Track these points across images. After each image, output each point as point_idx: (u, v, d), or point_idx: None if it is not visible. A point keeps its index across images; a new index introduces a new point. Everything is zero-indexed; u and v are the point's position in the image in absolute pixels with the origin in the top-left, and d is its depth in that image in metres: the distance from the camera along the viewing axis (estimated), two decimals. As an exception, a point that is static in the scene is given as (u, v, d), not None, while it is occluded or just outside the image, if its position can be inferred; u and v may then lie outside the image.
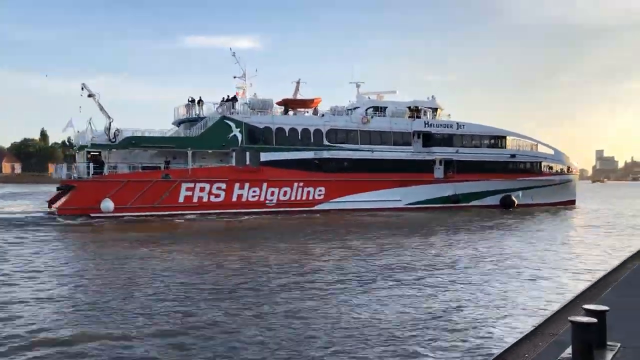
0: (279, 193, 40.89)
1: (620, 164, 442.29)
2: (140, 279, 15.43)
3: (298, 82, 46.61)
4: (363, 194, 43.77)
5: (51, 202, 41.32)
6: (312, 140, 42.43)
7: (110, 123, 36.23)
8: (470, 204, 47.91)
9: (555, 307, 8.87)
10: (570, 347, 5.39)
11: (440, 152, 47.26)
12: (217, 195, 38.92)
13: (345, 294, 13.66)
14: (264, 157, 40.55)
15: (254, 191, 40.07)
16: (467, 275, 16.57)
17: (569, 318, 5.66)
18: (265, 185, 40.35)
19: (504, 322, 11.35)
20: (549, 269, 18.06)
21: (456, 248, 23.06)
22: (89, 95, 36.86)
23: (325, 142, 42.82)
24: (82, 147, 37.30)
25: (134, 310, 11.80)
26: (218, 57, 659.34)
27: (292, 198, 41.37)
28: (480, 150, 49.39)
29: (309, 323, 10.99)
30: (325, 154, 42.61)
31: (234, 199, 39.43)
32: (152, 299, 12.91)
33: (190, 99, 41.82)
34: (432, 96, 50.82)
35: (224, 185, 39.00)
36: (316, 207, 41.94)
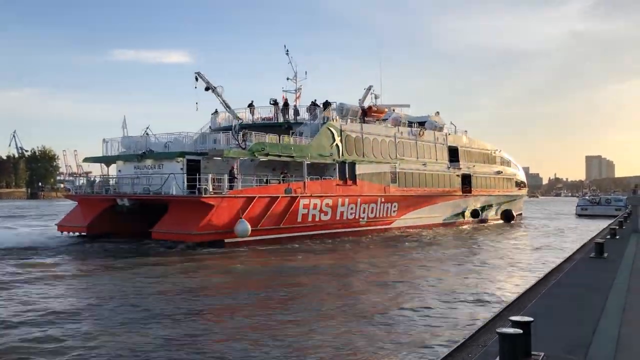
0: (368, 209, 37.09)
1: (545, 181, 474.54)
2: None
3: (368, 89, 42.67)
4: (421, 209, 42.34)
5: (91, 226, 30.60)
6: (388, 152, 39.53)
7: (239, 125, 28.53)
8: (479, 217, 49.93)
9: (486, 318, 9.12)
10: (498, 357, 5.61)
11: (464, 167, 48.31)
12: (325, 213, 33.61)
13: None
14: (359, 169, 36.45)
15: (352, 208, 35.63)
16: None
17: (496, 330, 5.91)
18: (359, 201, 36.22)
19: (440, 332, 11.43)
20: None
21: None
22: (207, 89, 28.48)
23: (397, 155, 40.32)
24: (181, 154, 28.62)
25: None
26: (148, 72, 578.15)
27: (377, 215, 37.93)
28: (484, 167, 51.90)
29: None
30: (397, 168, 40.12)
31: (338, 216, 34.56)
32: None
33: (272, 101, 35.20)
34: (437, 112, 51.61)
35: (331, 202, 33.88)
36: (392, 225, 39.19)
